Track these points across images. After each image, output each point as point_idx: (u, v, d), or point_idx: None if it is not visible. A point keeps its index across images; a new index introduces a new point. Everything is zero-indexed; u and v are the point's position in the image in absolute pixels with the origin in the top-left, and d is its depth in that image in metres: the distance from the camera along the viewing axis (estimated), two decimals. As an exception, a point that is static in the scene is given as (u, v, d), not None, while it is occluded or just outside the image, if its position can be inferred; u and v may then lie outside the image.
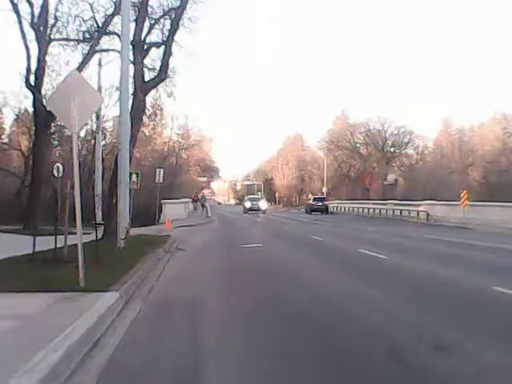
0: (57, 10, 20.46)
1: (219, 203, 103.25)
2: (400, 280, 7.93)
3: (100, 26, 19.84)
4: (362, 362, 3.82)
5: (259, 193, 70.10)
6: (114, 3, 18.65)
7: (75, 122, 6.65)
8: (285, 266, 9.96)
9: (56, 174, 18.68)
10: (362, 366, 3.73)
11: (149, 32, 16.68)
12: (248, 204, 46.89)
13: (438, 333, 4.60)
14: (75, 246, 6.86)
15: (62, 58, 21.69)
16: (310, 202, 46.84)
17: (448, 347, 4.10)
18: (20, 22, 19.91)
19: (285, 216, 40.17)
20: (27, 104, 29.07)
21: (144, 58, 16.05)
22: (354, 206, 45.05)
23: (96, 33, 20.09)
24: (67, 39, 20.96)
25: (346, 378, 3.52)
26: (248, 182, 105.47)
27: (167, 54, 15.93)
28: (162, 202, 29.87)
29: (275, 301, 6.25)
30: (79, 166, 7.33)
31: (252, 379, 3.52)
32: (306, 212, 44.75)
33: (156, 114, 38.25)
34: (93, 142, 29.99)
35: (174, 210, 30.18)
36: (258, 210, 44.87)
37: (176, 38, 16.42)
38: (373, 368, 3.68)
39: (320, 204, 44.31)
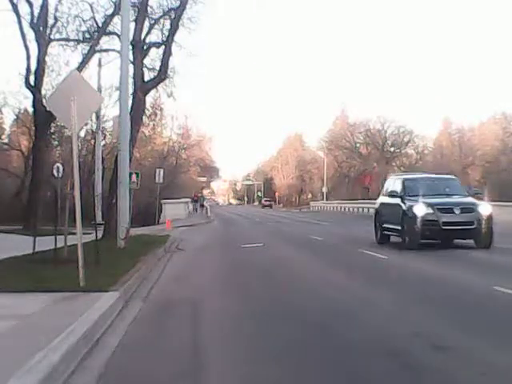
0: (56, 10, 20.52)
1: (217, 203, 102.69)
2: (400, 280, 7.91)
3: (100, 26, 19.83)
4: (362, 361, 3.82)
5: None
6: (114, 3, 18.63)
7: (75, 122, 6.64)
8: (285, 265, 9.95)
9: (56, 174, 18.72)
10: (363, 365, 3.73)
11: (148, 32, 16.69)
12: (420, 209, 11.70)
13: (439, 332, 4.59)
14: (75, 245, 6.85)
15: (62, 59, 21.69)
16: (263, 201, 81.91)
17: (448, 347, 4.09)
18: (20, 23, 19.97)
19: (284, 216, 40.16)
20: (27, 104, 29.09)
21: (144, 58, 16.05)
22: (353, 205, 45.04)
23: (96, 33, 20.09)
24: (67, 39, 20.97)
25: (346, 377, 3.52)
26: (248, 182, 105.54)
27: (167, 54, 15.93)
28: (162, 202, 29.87)
29: (275, 301, 6.24)
30: (79, 166, 7.34)
31: (253, 379, 3.52)
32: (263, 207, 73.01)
33: (156, 114, 38.23)
34: (93, 142, 29.99)
35: (173, 210, 30.17)
36: (472, 228, 11.94)
37: (176, 38, 16.45)
38: (373, 367, 3.68)
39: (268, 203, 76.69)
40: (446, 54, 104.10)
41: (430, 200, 11.96)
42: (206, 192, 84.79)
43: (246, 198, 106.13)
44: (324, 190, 60.74)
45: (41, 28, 20.02)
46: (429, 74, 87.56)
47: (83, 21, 19.93)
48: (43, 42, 20.23)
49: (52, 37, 20.77)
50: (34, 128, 23.57)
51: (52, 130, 26.03)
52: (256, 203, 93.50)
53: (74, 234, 7.47)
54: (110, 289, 6.06)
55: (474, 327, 4.80)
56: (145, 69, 16.29)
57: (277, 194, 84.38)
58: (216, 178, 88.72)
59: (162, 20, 17.20)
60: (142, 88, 15.19)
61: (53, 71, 22.42)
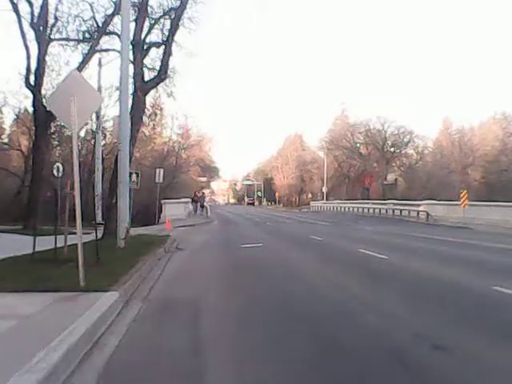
0: (57, 9, 20.52)
1: (217, 203, 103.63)
2: (400, 280, 7.92)
3: (100, 25, 19.85)
4: (361, 360, 3.82)
5: None
6: (114, 3, 18.66)
7: (75, 122, 6.65)
8: (285, 266, 9.93)
9: (56, 173, 18.74)
10: (361, 365, 3.72)
11: (149, 32, 16.70)
12: None
13: (438, 332, 4.60)
14: (75, 245, 6.85)
15: (62, 58, 21.84)
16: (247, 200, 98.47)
17: (448, 347, 4.09)
18: (20, 22, 19.94)
19: (284, 216, 40.17)
20: (27, 104, 29.15)
21: (144, 57, 16.05)
22: (353, 205, 45.06)
23: (96, 33, 20.10)
24: (67, 39, 20.97)
25: (345, 377, 3.52)
26: (248, 182, 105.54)
27: (167, 54, 15.93)
28: (162, 201, 29.89)
29: (275, 302, 6.23)
30: (79, 166, 7.31)
31: (252, 378, 3.52)
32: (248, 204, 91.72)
33: (156, 114, 38.29)
34: (93, 141, 30.01)
35: (173, 210, 30.16)
36: None
37: (176, 37, 16.45)
38: (372, 366, 3.68)
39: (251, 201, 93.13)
40: (446, 54, 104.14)
41: None
42: (206, 192, 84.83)
43: (245, 198, 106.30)
44: (324, 189, 60.77)
45: (41, 28, 20.02)
46: (429, 74, 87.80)
47: (83, 20, 19.98)
48: (43, 42, 20.22)
49: (52, 36, 20.77)
50: (34, 128, 23.55)
51: (52, 130, 26.05)
52: (255, 203, 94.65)
53: (74, 233, 7.47)
54: (110, 288, 6.06)
55: (474, 327, 4.81)
56: (145, 69, 16.30)
57: (277, 194, 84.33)
58: (216, 178, 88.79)
59: (162, 20, 17.22)
60: (142, 88, 15.18)
61: (53, 71, 22.48)
